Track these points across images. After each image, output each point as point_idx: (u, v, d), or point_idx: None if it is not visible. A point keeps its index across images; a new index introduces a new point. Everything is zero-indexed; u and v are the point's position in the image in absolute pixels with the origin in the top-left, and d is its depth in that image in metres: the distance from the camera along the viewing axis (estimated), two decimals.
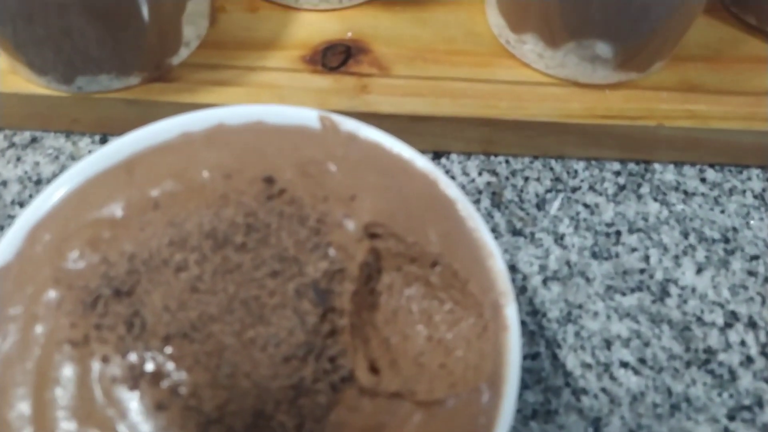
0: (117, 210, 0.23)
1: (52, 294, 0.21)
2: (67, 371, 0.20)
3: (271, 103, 0.27)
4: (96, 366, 0.20)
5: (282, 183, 0.24)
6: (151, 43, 0.29)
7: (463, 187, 0.32)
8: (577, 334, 0.28)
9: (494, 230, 0.31)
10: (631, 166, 0.34)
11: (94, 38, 0.28)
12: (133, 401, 0.19)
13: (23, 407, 0.19)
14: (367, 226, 0.23)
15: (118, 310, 0.20)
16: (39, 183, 0.31)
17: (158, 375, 0.19)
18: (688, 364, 0.28)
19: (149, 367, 0.20)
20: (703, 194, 0.33)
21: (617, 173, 0.34)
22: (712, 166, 0.34)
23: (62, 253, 0.22)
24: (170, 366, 0.20)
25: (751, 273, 0.31)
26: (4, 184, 0.31)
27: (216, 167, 0.24)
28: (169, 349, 0.20)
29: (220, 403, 0.19)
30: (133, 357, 0.20)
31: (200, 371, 0.19)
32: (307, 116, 0.26)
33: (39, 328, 0.21)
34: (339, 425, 0.19)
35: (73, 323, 0.20)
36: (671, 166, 0.34)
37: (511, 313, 0.22)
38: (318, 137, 0.26)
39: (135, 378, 0.19)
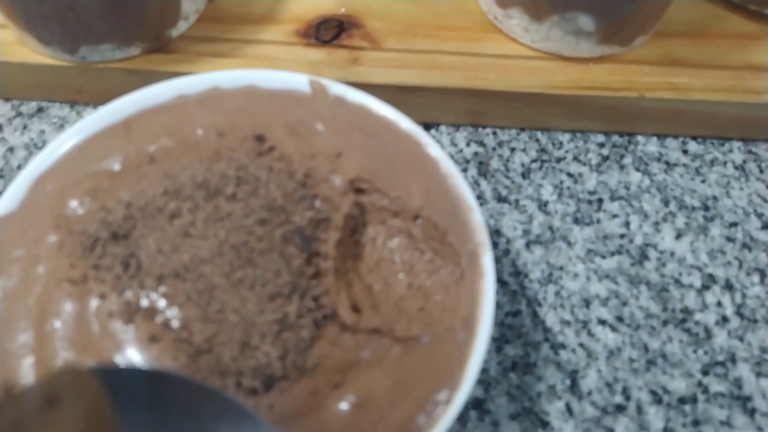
0: (115, 163, 0.24)
1: (52, 238, 0.22)
2: (67, 306, 0.21)
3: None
4: (94, 302, 0.21)
5: (272, 141, 0.25)
6: (151, 15, 0.31)
7: (451, 156, 0.34)
8: (557, 294, 0.29)
9: (480, 197, 0.32)
10: (615, 138, 0.35)
11: (97, 9, 0.29)
12: (128, 334, 0.20)
13: (25, 338, 0.21)
14: (352, 181, 0.24)
15: (115, 251, 0.22)
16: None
17: (152, 311, 0.21)
18: (664, 323, 0.29)
19: (144, 303, 0.21)
20: (684, 165, 0.34)
21: (601, 144, 0.35)
22: (694, 138, 0.35)
23: (63, 201, 0.23)
24: (163, 303, 0.21)
25: (730, 239, 0.32)
26: (11, 150, 0.32)
27: (210, 126, 0.26)
28: (162, 288, 0.21)
29: (209, 336, 0.20)
30: (128, 294, 0.21)
31: (191, 307, 0.21)
32: (298, 81, 0.27)
33: (40, 268, 0.22)
34: (321, 356, 0.20)
35: (72, 264, 0.22)
36: (654, 138, 0.35)
37: (486, 262, 0.23)
38: (307, 100, 0.27)
39: (130, 313, 0.21)
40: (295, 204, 0.23)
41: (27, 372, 0.20)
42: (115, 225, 0.22)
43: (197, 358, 0.20)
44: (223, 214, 0.23)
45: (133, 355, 0.20)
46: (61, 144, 0.25)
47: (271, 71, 0.28)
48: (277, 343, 0.20)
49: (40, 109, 0.34)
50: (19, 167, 0.32)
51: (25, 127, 0.33)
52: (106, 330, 0.21)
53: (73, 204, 0.23)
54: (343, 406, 0.20)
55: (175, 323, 0.21)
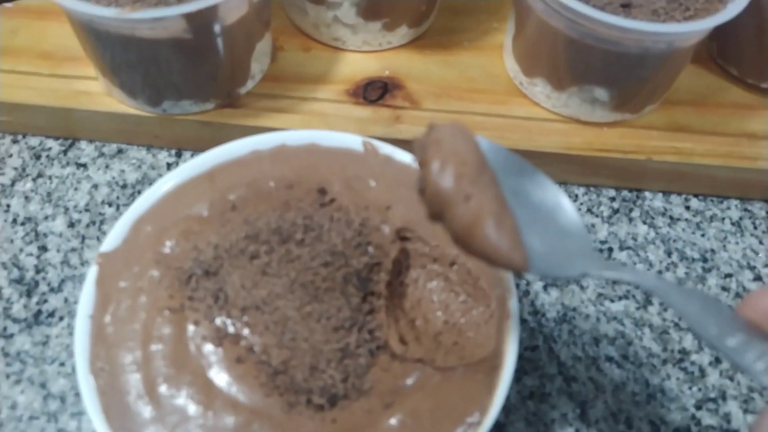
0: (203, 209, 0.29)
1: (154, 272, 0.27)
2: (167, 331, 0.26)
3: (322, 129, 0.33)
4: (190, 328, 0.25)
5: (332, 194, 0.30)
6: (225, 76, 0.36)
7: None
8: (570, 332, 0.33)
9: None
10: (625, 193, 0.39)
11: (180, 71, 0.34)
12: (217, 355, 0.25)
13: (133, 357, 0.25)
14: (399, 230, 0.29)
15: (207, 286, 0.26)
16: (124, 187, 0.37)
17: (237, 336, 0.25)
18: (664, 362, 0.33)
19: (231, 330, 0.25)
20: (686, 220, 0.38)
21: (612, 198, 0.39)
22: (696, 196, 0.39)
23: (161, 241, 0.28)
24: (246, 330, 0.25)
25: (725, 288, 0.36)
26: (96, 187, 0.37)
27: (280, 179, 0.30)
28: (245, 318, 0.26)
29: (284, 359, 0.25)
30: (218, 322, 0.25)
31: (269, 335, 0.25)
32: (353, 141, 0.32)
33: (143, 298, 0.26)
34: (375, 381, 0.25)
35: (171, 295, 0.26)
36: (660, 195, 0.39)
37: (512, 305, 0.27)
38: (361, 158, 0.32)
39: (220, 338, 0.25)
40: (353, 249, 0.28)
41: (132, 384, 0.25)
42: (206, 263, 0.27)
43: (275, 378, 0.24)
44: (294, 257, 0.27)
45: (223, 373, 0.25)
46: (157, 190, 0.30)
47: (330, 132, 0.32)
48: (339, 368, 0.25)
49: (120, 151, 0.39)
50: (102, 202, 0.37)
51: (107, 166, 0.38)
52: (200, 351, 0.25)
53: (170, 244, 0.28)
54: (393, 422, 0.24)
55: (257, 348, 0.25)
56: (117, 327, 0.26)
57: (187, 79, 0.35)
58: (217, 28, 0.32)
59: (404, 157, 0.31)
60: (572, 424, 0.30)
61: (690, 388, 0.32)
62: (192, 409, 0.24)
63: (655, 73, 0.35)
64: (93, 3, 0.30)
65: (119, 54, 0.33)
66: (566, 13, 0.32)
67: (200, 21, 0.31)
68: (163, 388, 0.24)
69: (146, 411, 0.24)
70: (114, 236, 0.28)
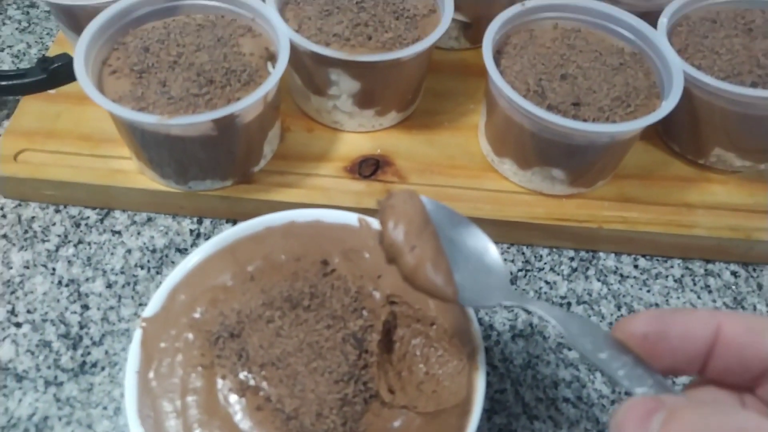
0: (227, 280, 0.35)
1: (188, 335, 0.33)
2: (200, 384, 0.31)
3: (323, 203, 0.39)
4: (219, 381, 0.31)
5: (333, 264, 0.36)
6: (242, 159, 0.42)
7: None
8: (533, 377, 0.40)
9: None
10: (582, 253, 0.46)
11: (205, 159, 0.41)
12: (241, 404, 0.31)
13: (173, 406, 0.31)
14: (388, 296, 0.35)
15: (232, 346, 0.32)
16: (154, 251, 0.43)
17: (257, 388, 0.31)
18: (612, 402, 0.39)
19: (251, 383, 0.31)
20: (635, 277, 0.45)
21: (572, 258, 0.45)
22: (644, 256, 0.46)
23: (193, 307, 0.34)
24: (264, 383, 0.31)
25: None
26: (129, 251, 0.44)
27: (289, 252, 0.37)
28: (263, 372, 0.32)
29: (295, 407, 0.31)
30: (241, 376, 0.31)
31: (283, 387, 0.31)
32: (350, 218, 0.38)
33: (180, 357, 0.32)
34: (368, 424, 0.31)
35: (202, 354, 0.32)
36: (612, 255, 0.46)
37: (480, 359, 0.33)
38: (357, 232, 0.38)
39: (243, 390, 0.31)
40: (350, 314, 0.34)
41: (173, 428, 0.30)
42: (231, 327, 0.33)
43: (288, 423, 0.30)
44: (302, 320, 0.33)
45: (246, 419, 0.30)
46: (188, 263, 0.36)
47: (331, 210, 0.39)
48: (340, 414, 0.31)
49: (149, 219, 0.45)
50: (135, 265, 0.43)
51: (138, 233, 0.44)
52: (227, 401, 0.31)
53: (200, 310, 0.34)
54: None
55: (273, 398, 0.31)
56: (159, 381, 0.32)
57: (211, 164, 0.41)
58: (238, 125, 0.39)
59: None
60: None
61: None
62: None
63: (602, 158, 0.42)
64: (137, 110, 0.37)
65: (154, 146, 0.39)
66: (523, 113, 0.39)
67: (225, 122, 0.38)
68: None
69: None
70: (154, 303, 0.34)
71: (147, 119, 0.36)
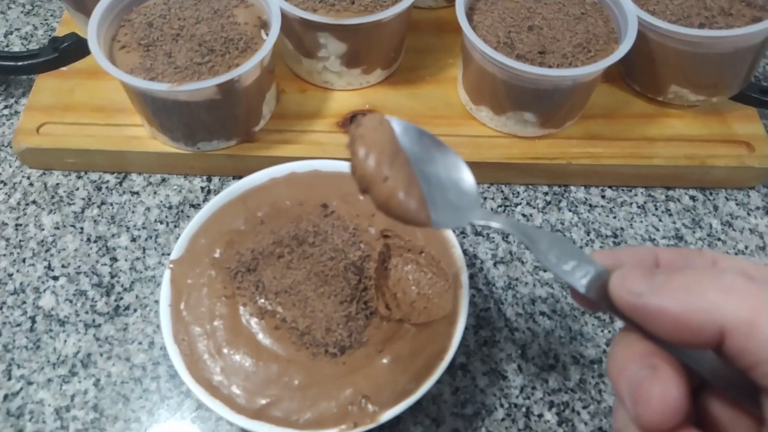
0: (240, 224, 0.40)
1: (211, 272, 0.38)
2: (224, 311, 0.37)
3: (319, 155, 0.44)
4: (240, 308, 0.37)
5: (332, 207, 0.41)
6: (243, 120, 0.47)
7: None
8: (514, 296, 0.45)
9: (463, 232, 0.48)
10: (555, 188, 0.51)
11: (210, 121, 0.45)
12: (261, 325, 0.36)
13: (202, 330, 0.36)
14: (382, 231, 0.40)
15: (249, 279, 0.38)
16: (170, 208, 0.48)
17: (274, 312, 0.37)
18: (582, 313, 0.44)
19: (269, 308, 0.37)
20: (602, 206, 0.50)
21: (546, 193, 0.50)
22: (610, 187, 0.51)
23: (213, 249, 0.39)
24: (280, 308, 0.37)
25: None
26: (148, 209, 0.48)
27: (293, 198, 0.42)
28: (278, 299, 0.37)
29: (308, 325, 0.36)
30: (260, 303, 0.37)
31: (296, 309, 0.37)
32: (343, 166, 0.43)
33: (205, 290, 0.38)
34: (370, 335, 0.36)
35: (224, 286, 0.38)
36: (582, 188, 0.51)
37: (464, 279, 0.39)
38: (350, 177, 0.43)
39: (262, 314, 0.37)
40: (350, 246, 0.39)
41: (204, 348, 0.36)
42: (247, 263, 0.38)
43: (302, 338, 0.36)
44: (308, 254, 0.38)
45: (267, 337, 0.36)
46: (206, 212, 0.41)
47: (327, 160, 0.43)
48: (345, 328, 0.36)
49: (163, 180, 0.50)
50: (155, 221, 0.48)
51: (155, 192, 0.49)
52: (249, 324, 0.36)
53: (219, 251, 0.39)
54: (384, 361, 0.36)
55: (288, 318, 0.36)
56: (189, 311, 0.37)
57: (216, 126, 0.46)
58: (238, 88, 0.43)
59: None
60: (515, 361, 0.42)
61: (602, 330, 0.44)
62: (248, 362, 0.35)
63: (567, 100, 0.46)
64: (148, 80, 0.41)
65: (164, 112, 0.44)
66: (495, 63, 0.44)
67: (227, 87, 0.42)
68: (226, 350, 0.36)
69: (216, 365, 0.35)
70: (178, 248, 0.39)
71: (158, 87, 0.40)
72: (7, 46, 0.57)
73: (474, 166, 0.46)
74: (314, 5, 0.46)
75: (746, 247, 0.48)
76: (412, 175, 0.29)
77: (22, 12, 0.60)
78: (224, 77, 0.41)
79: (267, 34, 0.45)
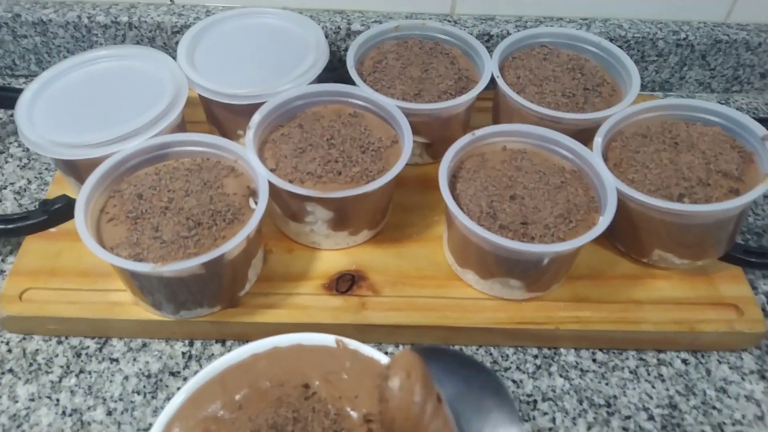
0: (218, 410, 0.39)
1: None
2: None
3: (304, 321, 0.44)
4: None
5: (314, 388, 0.40)
6: (228, 287, 0.47)
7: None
8: None
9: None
10: (545, 350, 0.50)
11: (195, 292, 0.45)
12: None
13: None
14: (365, 416, 0.39)
15: None
16: (149, 377, 0.47)
17: None
18: None
19: None
20: (593, 371, 0.49)
21: (535, 356, 0.49)
22: (601, 349, 0.50)
23: None
24: None
25: (625, 429, 0.46)
26: (126, 378, 0.47)
27: (273, 378, 0.40)
28: None
29: None
30: None
31: None
32: (328, 340, 0.42)
33: None
34: None
35: None
36: (572, 350, 0.50)
37: None
38: (335, 353, 0.42)
39: None
40: None
41: None
42: None
43: None
44: None
45: None
46: (180, 396, 0.39)
47: (311, 334, 0.43)
48: None
49: (144, 344, 0.49)
50: (133, 392, 0.46)
51: (134, 359, 0.48)
52: None
53: None
54: None
55: None
56: None
57: (200, 296, 0.45)
58: (224, 261, 0.44)
59: (367, 350, 0.42)
60: None
61: None
62: None
63: (551, 267, 0.47)
64: (132, 257, 0.41)
65: (148, 285, 0.44)
66: (478, 237, 0.44)
67: (212, 262, 0.42)
68: None
69: None
70: None
71: (142, 268, 0.40)
72: (0, 201, 0.58)
73: (461, 330, 0.47)
74: (302, 177, 0.48)
75: (743, 417, 0.47)
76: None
77: (17, 166, 0.61)
78: (209, 255, 0.41)
79: (255, 203, 0.46)
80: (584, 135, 0.51)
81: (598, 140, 0.50)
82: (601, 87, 0.56)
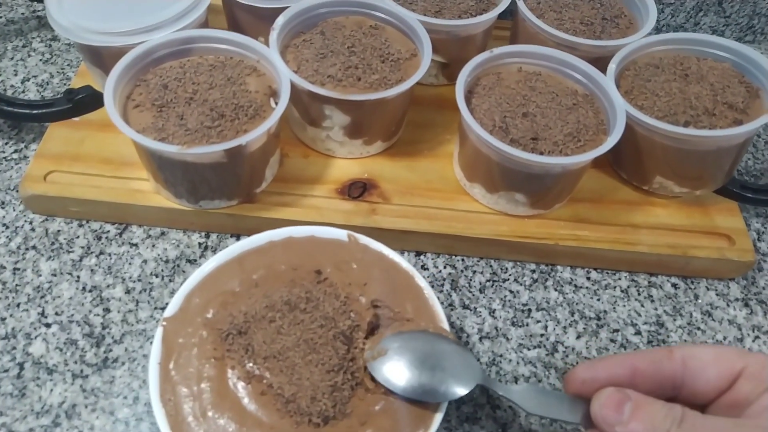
0: (235, 286, 0.41)
1: (202, 332, 0.39)
2: (212, 373, 0.37)
3: (317, 220, 0.46)
4: (228, 371, 0.37)
5: (325, 274, 0.42)
6: (246, 182, 0.48)
7: (432, 276, 0.51)
8: (497, 372, 0.46)
9: (451, 305, 0.49)
10: (542, 266, 0.52)
11: (215, 181, 0.47)
12: (247, 390, 0.37)
13: (189, 391, 0.37)
14: (372, 301, 0.41)
15: (239, 341, 0.38)
16: (167, 262, 0.49)
17: (261, 377, 0.37)
18: None
19: (257, 372, 0.37)
20: (587, 287, 0.51)
21: (533, 271, 0.52)
22: (595, 269, 0.53)
23: (206, 309, 0.40)
24: (267, 373, 0.37)
25: (612, 341, 0.49)
26: (145, 261, 0.49)
27: (288, 263, 0.43)
28: (266, 364, 0.38)
29: (293, 392, 0.37)
30: (248, 367, 0.37)
31: (283, 376, 0.37)
32: (340, 234, 0.45)
33: (195, 350, 0.38)
34: (354, 407, 0.37)
35: (215, 348, 0.38)
36: (568, 268, 0.52)
37: None
38: (346, 246, 0.44)
39: (249, 378, 0.37)
40: (340, 315, 0.40)
41: (189, 410, 0.36)
42: (239, 326, 0.39)
43: (287, 405, 0.36)
44: (299, 321, 0.39)
45: (252, 403, 0.36)
46: (202, 271, 0.42)
47: (324, 227, 0.45)
48: (330, 398, 0.37)
49: (163, 233, 0.51)
50: (151, 274, 0.49)
51: (153, 245, 0.50)
52: (236, 387, 0.37)
53: (212, 311, 0.40)
54: None
55: (274, 385, 0.37)
56: (178, 370, 0.38)
57: (219, 186, 0.47)
58: (244, 153, 0.45)
59: (377, 245, 0.44)
60: None
61: None
62: (231, 427, 0.36)
63: (557, 185, 0.49)
64: (158, 140, 0.43)
65: (171, 170, 0.46)
66: (490, 146, 0.46)
67: (233, 151, 0.44)
68: (211, 413, 0.36)
69: (200, 428, 0.36)
70: (173, 305, 0.40)
71: (168, 148, 0.42)
72: (24, 92, 0.59)
73: (465, 240, 0.49)
74: (323, 79, 0.49)
75: (724, 338, 0.49)
76: None
77: (40, 60, 0.62)
78: (232, 143, 0.43)
79: (276, 103, 0.47)
80: (598, 64, 0.53)
81: (612, 66, 0.51)
82: (619, 18, 0.57)
